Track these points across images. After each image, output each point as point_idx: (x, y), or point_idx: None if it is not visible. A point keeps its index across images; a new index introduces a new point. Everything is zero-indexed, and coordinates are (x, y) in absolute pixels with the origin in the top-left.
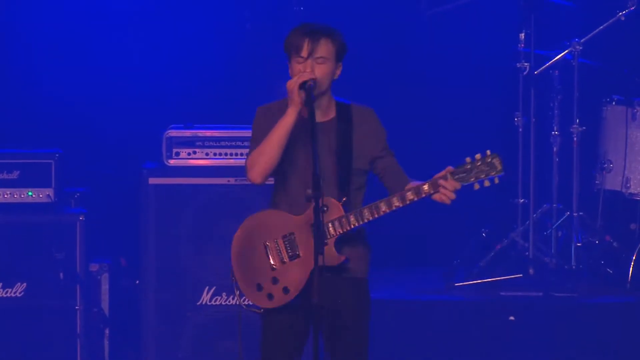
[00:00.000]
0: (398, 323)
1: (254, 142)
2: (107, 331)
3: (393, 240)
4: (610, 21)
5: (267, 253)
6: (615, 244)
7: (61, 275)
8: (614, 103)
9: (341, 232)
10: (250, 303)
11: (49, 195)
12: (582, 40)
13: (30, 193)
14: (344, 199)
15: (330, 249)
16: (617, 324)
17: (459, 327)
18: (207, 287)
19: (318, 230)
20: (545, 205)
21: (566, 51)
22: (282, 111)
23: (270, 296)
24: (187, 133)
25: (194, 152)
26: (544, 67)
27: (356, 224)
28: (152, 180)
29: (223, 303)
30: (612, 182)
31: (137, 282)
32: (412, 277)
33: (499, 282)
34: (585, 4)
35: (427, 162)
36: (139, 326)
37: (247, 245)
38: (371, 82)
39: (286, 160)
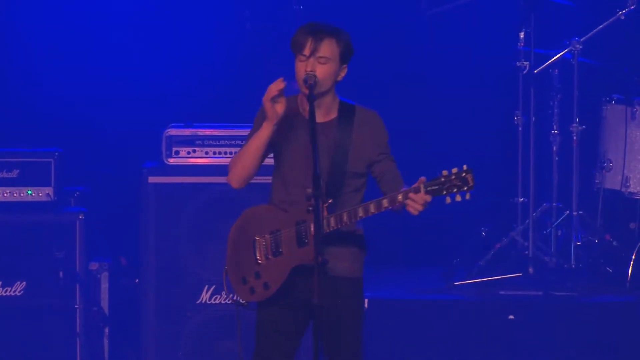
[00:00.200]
0: (398, 322)
1: (249, 135)
2: (106, 330)
3: (393, 240)
4: (610, 20)
5: (254, 248)
6: (614, 243)
7: (61, 274)
8: (613, 102)
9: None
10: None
11: (48, 194)
12: (582, 39)
13: (30, 192)
14: (330, 200)
15: (310, 248)
16: (616, 323)
17: (458, 326)
18: (206, 286)
19: (318, 231)
20: (545, 204)
21: (566, 50)
22: (289, 108)
23: (252, 290)
24: (187, 132)
25: (194, 151)
26: (543, 66)
27: (335, 227)
28: (152, 179)
29: (223, 302)
30: (611, 181)
31: (137, 281)
32: (412, 276)
33: (498, 281)
34: (585, 3)
35: (428, 161)
36: (138, 325)
37: (240, 237)
38: (371, 81)
39: (283, 158)
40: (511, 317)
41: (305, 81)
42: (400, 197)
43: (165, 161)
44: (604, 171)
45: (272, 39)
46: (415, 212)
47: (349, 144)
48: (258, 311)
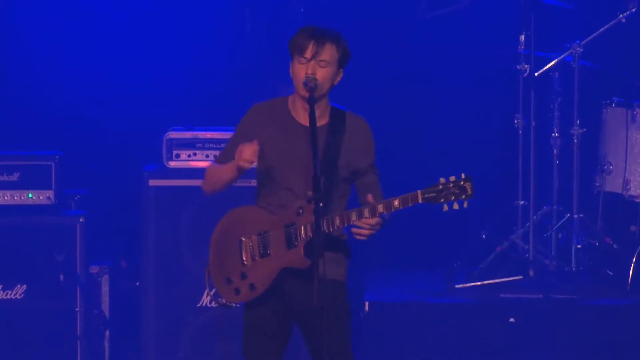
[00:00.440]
0: (398, 325)
1: (232, 141)
2: (107, 333)
3: (393, 243)
4: (611, 23)
5: (240, 248)
6: (615, 246)
7: (61, 277)
8: (614, 105)
9: (311, 236)
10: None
11: (49, 197)
12: (582, 43)
13: (30, 195)
14: (320, 204)
15: (299, 251)
16: (617, 326)
17: (459, 329)
18: (207, 289)
19: (318, 231)
20: (545, 207)
21: (566, 53)
22: (279, 111)
23: (237, 290)
24: (188, 135)
25: (194, 154)
26: (544, 69)
27: (327, 230)
28: (153, 182)
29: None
30: (612, 184)
31: (137, 283)
32: (413, 279)
33: (499, 284)
34: (585, 6)
35: (428, 164)
36: (139, 328)
37: (224, 237)
38: (371, 84)
39: (272, 160)
40: (512, 320)
41: (305, 84)
42: (396, 202)
43: (166, 164)
44: (604, 174)
45: (272, 40)
46: (361, 237)
47: (340, 150)
48: (245, 314)
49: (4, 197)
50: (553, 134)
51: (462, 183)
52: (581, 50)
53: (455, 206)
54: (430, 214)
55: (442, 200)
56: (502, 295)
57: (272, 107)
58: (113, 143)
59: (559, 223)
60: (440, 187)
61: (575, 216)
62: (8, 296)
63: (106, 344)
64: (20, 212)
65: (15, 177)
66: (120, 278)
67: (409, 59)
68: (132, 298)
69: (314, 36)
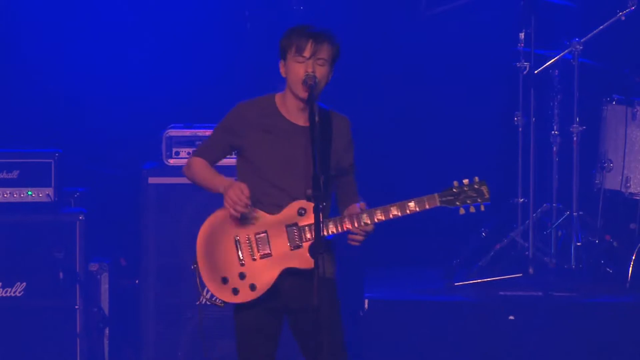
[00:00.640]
0: (397, 323)
1: (216, 132)
2: (107, 331)
3: (392, 240)
4: (611, 21)
5: (237, 247)
6: (615, 243)
7: (61, 274)
8: (614, 103)
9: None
10: (215, 297)
11: (48, 194)
12: (582, 40)
13: (30, 192)
14: (324, 204)
15: (304, 251)
16: (616, 323)
17: (459, 327)
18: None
19: (318, 231)
20: (545, 205)
21: (566, 51)
22: (267, 109)
23: (235, 291)
24: (187, 132)
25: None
26: (544, 66)
27: (335, 231)
28: (152, 180)
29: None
30: (612, 182)
31: (137, 281)
32: (412, 277)
33: (498, 282)
34: (585, 4)
35: (428, 161)
36: (138, 325)
37: (216, 235)
38: (370, 81)
39: (262, 159)
40: (511, 317)
41: (305, 82)
42: (412, 205)
43: (165, 162)
44: (604, 172)
45: (272, 39)
46: (357, 243)
47: (330, 150)
48: (238, 314)
49: (3, 194)
50: (553, 132)
51: (476, 186)
52: (581, 47)
53: (472, 209)
54: (429, 212)
55: (459, 203)
56: (501, 293)
57: (259, 105)
58: (112, 140)
59: (559, 220)
60: (456, 190)
61: (575, 214)
62: (8, 294)
63: (105, 341)
64: (20, 210)
65: (14, 174)
66: (119, 276)
67: (409, 56)
68: (132, 296)
69: (312, 35)
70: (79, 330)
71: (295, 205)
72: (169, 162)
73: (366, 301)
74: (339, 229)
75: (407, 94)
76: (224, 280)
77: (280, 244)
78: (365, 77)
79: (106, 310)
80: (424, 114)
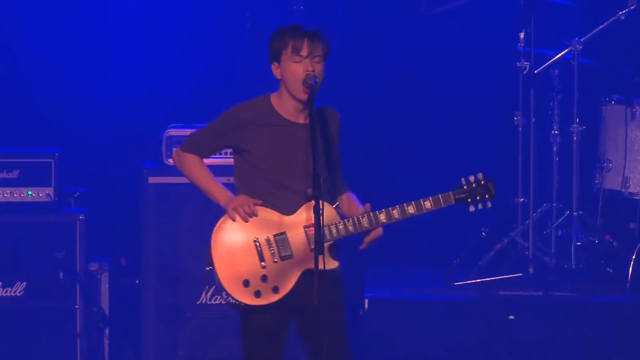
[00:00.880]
0: (398, 322)
1: (210, 133)
2: (107, 330)
3: (393, 239)
4: (610, 20)
5: (257, 250)
6: (614, 243)
7: (61, 274)
8: (613, 102)
9: (337, 237)
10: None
11: (48, 194)
12: (582, 40)
13: (30, 192)
14: (337, 203)
15: (325, 253)
16: (616, 323)
17: (459, 326)
18: (206, 286)
19: (318, 231)
20: (545, 205)
21: (566, 50)
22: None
23: (258, 293)
24: (187, 132)
25: None
26: (543, 66)
27: (353, 231)
28: (152, 180)
29: (223, 302)
30: (611, 182)
31: (137, 281)
32: (412, 276)
33: (498, 282)
34: (585, 3)
35: (428, 161)
36: (138, 325)
37: (233, 237)
38: (369, 81)
39: (262, 159)
40: (511, 317)
41: (305, 81)
42: (428, 204)
43: (165, 161)
44: (604, 171)
45: None
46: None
47: (328, 147)
48: (247, 315)
49: (3, 194)
50: (553, 131)
51: (483, 183)
52: (581, 47)
53: (480, 206)
54: (429, 211)
55: (470, 200)
56: (501, 293)
57: (255, 106)
58: (113, 140)
59: (559, 220)
60: (466, 187)
61: (574, 213)
62: (8, 293)
63: (106, 341)
64: (20, 210)
65: (14, 174)
66: (119, 275)
67: (409, 56)
68: (132, 295)
69: (307, 34)
70: (79, 330)
71: (312, 205)
72: (169, 162)
73: (366, 301)
74: (357, 229)
75: (407, 93)
76: (246, 283)
77: (300, 245)
78: (365, 77)
79: (106, 310)
80: (424, 113)
